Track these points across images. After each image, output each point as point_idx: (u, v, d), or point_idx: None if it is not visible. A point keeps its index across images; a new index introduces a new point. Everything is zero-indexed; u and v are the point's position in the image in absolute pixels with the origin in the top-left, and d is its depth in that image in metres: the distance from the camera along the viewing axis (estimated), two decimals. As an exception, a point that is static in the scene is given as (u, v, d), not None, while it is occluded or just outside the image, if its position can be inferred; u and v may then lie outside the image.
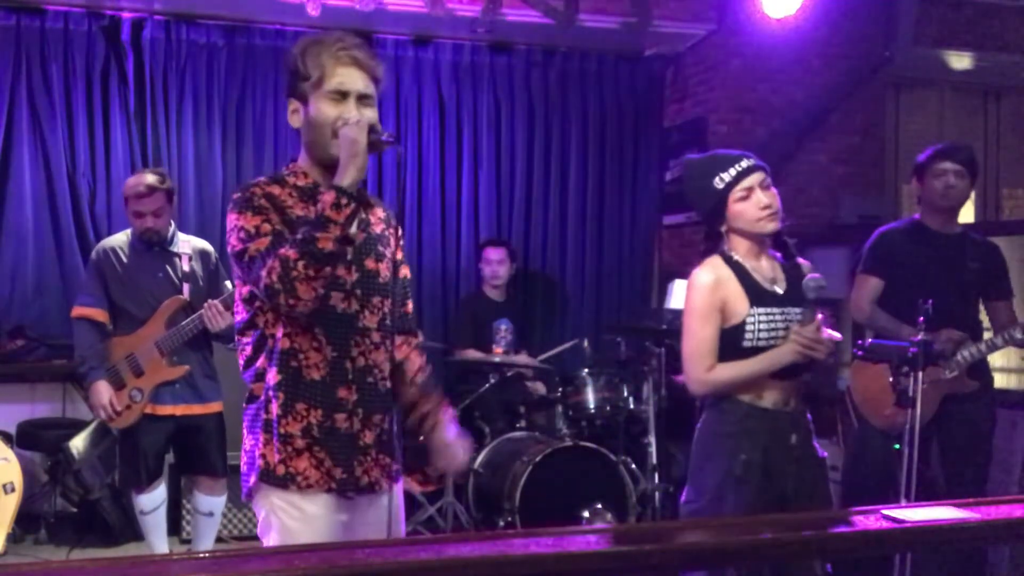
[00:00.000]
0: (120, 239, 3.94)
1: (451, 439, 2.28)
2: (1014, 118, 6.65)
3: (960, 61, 6.23)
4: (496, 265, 5.31)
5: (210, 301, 3.74)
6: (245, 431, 2.19)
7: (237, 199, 2.11)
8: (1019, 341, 3.44)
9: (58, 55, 5.12)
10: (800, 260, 2.75)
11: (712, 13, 5.67)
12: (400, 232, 2.32)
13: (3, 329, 5.03)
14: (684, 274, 3.25)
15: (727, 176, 2.59)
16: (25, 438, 4.78)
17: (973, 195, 3.99)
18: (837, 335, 2.61)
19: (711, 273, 2.60)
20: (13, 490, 3.91)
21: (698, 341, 2.58)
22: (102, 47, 5.21)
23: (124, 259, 3.87)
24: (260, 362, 2.14)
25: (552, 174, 5.96)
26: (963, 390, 3.52)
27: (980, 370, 3.58)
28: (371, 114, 2.13)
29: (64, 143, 5.15)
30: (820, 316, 2.56)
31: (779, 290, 2.63)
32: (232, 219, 2.10)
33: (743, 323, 2.56)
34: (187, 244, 3.94)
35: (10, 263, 5.11)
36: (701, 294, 2.58)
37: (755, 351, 2.55)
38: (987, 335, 3.64)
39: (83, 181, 5.19)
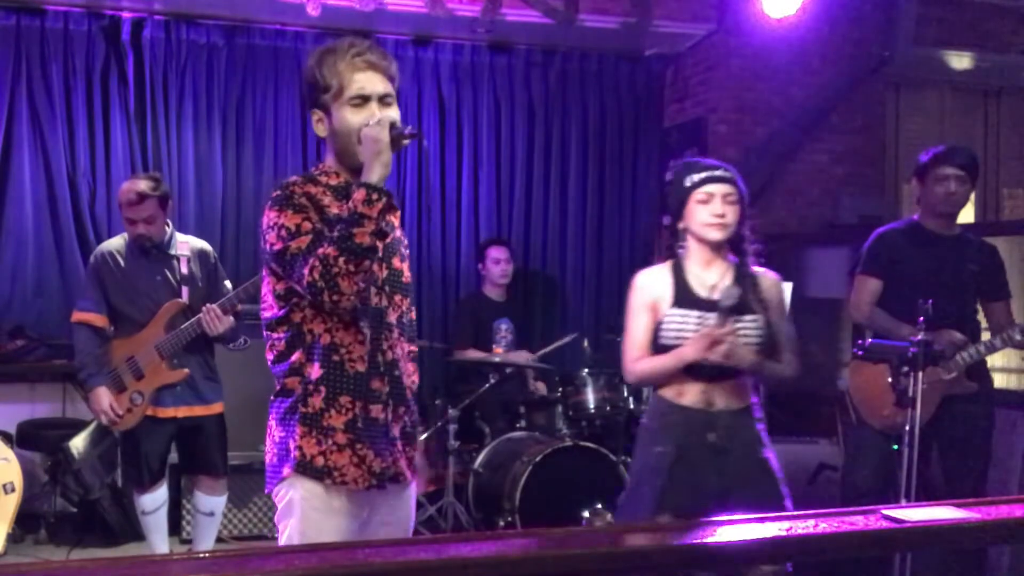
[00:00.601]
0: (117, 243, 3.91)
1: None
2: (1014, 118, 6.64)
3: (960, 61, 6.22)
4: (505, 264, 5.33)
5: (208, 306, 3.71)
6: (274, 423, 2.22)
7: (277, 196, 2.14)
8: (1018, 342, 3.45)
9: (58, 55, 5.11)
10: (762, 271, 2.84)
11: (712, 13, 5.67)
12: (405, 241, 2.39)
13: (3, 329, 5.03)
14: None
15: (695, 177, 2.78)
16: (25, 438, 4.77)
17: (973, 195, 3.98)
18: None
19: (646, 276, 2.87)
20: (13, 490, 3.91)
21: (630, 335, 2.85)
22: (102, 47, 5.20)
23: (122, 263, 3.84)
24: (296, 357, 2.17)
25: (552, 174, 5.96)
26: (962, 391, 3.52)
27: (979, 371, 3.57)
28: (392, 113, 2.18)
29: (64, 143, 5.14)
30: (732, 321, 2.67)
31: (712, 297, 2.75)
32: (271, 216, 2.13)
33: (661, 322, 2.76)
34: (185, 245, 3.91)
35: (10, 263, 5.10)
36: (634, 293, 2.86)
37: (667, 348, 2.75)
38: (985, 336, 3.64)
39: (83, 181, 5.18)
